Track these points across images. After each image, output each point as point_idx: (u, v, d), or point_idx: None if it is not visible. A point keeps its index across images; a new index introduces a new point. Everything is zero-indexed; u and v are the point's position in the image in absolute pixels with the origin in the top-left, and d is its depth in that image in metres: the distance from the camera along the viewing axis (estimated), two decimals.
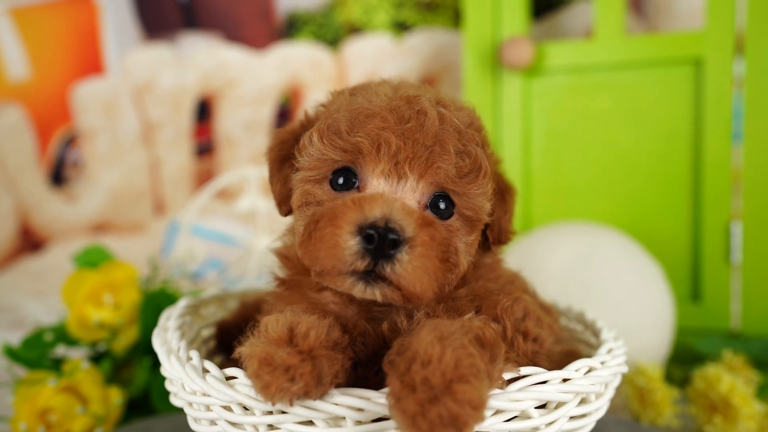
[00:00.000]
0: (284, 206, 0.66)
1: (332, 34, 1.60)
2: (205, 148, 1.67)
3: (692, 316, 1.22)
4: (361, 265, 0.52)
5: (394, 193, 0.56)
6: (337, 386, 0.52)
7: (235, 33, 1.63)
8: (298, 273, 0.66)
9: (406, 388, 0.46)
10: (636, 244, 1.13)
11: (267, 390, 0.49)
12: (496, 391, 0.53)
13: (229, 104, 1.64)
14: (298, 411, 0.51)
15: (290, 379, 0.49)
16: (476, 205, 0.58)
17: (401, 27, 1.58)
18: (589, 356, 0.66)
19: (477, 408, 0.45)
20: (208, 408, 0.57)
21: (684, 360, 1.14)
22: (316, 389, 0.50)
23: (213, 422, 0.58)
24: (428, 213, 0.57)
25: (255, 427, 0.54)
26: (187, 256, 1.23)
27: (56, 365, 1.02)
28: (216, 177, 1.64)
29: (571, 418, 0.59)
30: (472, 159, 0.57)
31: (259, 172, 1.28)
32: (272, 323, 0.53)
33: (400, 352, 0.49)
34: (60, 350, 1.04)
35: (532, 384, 0.55)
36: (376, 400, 0.51)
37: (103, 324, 0.99)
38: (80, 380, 0.94)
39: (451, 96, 0.65)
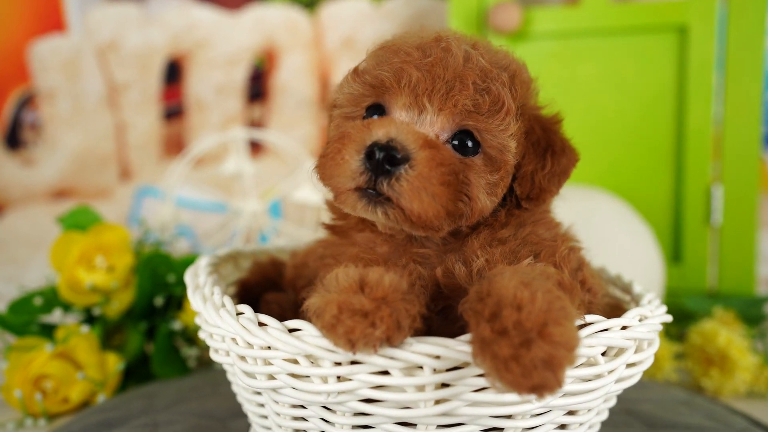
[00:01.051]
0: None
1: None
2: (174, 111, 1.60)
3: (673, 277, 1.25)
4: (362, 180, 0.53)
5: (413, 119, 0.57)
6: (414, 333, 0.51)
7: None
8: (341, 218, 0.66)
9: (496, 333, 0.45)
10: (628, 206, 1.15)
11: (350, 335, 0.47)
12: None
13: (201, 66, 1.58)
14: (375, 360, 0.50)
15: (371, 325, 0.47)
16: (499, 142, 0.57)
17: None
18: (628, 309, 0.66)
19: (571, 349, 0.45)
20: (266, 362, 0.55)
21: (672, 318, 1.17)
22: (397, 334, 0.49)
23: (271, 376, 0.55)
24: (447, 147, 0.57)
25: (324, 379, 0.52)
26: (172, 220, 1.18)
27: (45, 331, 0.97)
28: (188, 141, 1.58)
29: (627, 366, 0.59)
30: (493, 96, 0.56)
31: (247, 134, 1.24)
32: (342, 274, 0.51)
33: (482, 299, 0.48)
34: (47, 316, 0.98)
35: (599, 331, 0.55)
36: (455, 348, 0.49)
37: (96, 288, 0.94)
38: (75, 346, 0.90)
39: (497, 46, 0.63)
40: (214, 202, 1.46)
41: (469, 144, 0.57)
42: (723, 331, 0.95)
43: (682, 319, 1.12)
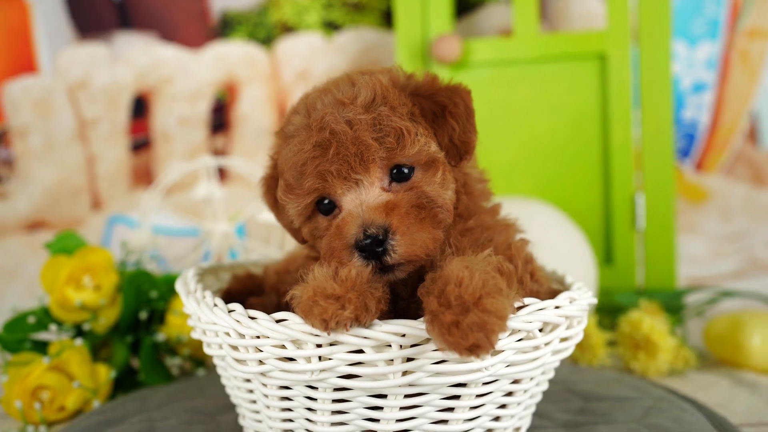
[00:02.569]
0: (298, 236, 0.75)
1: (265, 33, 1.65)
2: (141, 143, 1.66)
3: (606, 278, 1.37)
4: (366, 268, 0.61)
5: (359, 198, 0.64)
6: (381, 317, 0.60)
7: (171, 33, 1.64)
8: None
9: (442, 305, 0.54)
10: (563, 214, 1.26)
11: (324, 315, 0.56)
12: (510, 315, 0.62)
13: (165, 101, 1.65)
14: (350, 340, 0.58)
15: (342, 306, 0.56)
16: (422, 153, 0.65)
17: (331, 26, 1.65)
18: None
19: (501, 318, 0.54)
20: (257, 349, 0.63)
21: (605, 313, 1.28)
22: (365, 314, 0.57)
23: (261, 362, 0.63)
24: (394, 188, 0.65)
25: (308, 359, 0.61)
26: (149, 243, 1.25)
27: (38, 347, 1.02)
28: (155, 171, 1.65)
29: (561, 340, 0.69)
30: (392, 132, 0.63)
31: (216, 161, 1.32)
32: (318, 270, 0.60)
33: (434, 281, 0.57)
34: (39, 335, 1.04)
35: (536, 310, 0.65)
36: (417, 327, 0.58)
37: (84, 305, 1.01)
38: (68, 359, 0.96)
39: (349, 79, 0.70)
40: (185, 227, 1.52)
41: (405, 171, 0.65)
42: (647, 319, 1.06)
43: (613, 312, 1.23)
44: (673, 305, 1.24)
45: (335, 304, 0.56)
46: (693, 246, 1.73)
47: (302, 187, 0.65)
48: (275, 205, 0.75)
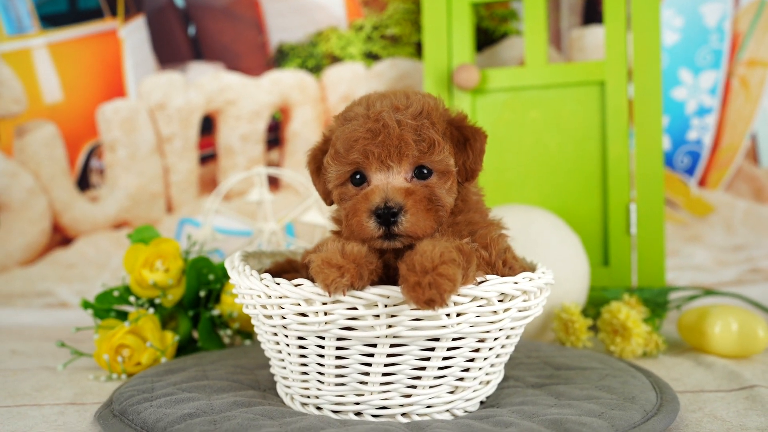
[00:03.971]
0: (327, 199, 0.91)
1: (315, 63, 1.84)
2: (208, 156, 1.87)
3: (603, 278, 1.49)
4: (380, 232, 0.77)
5: (387, 179, 0.80)
6: (373, 284, 0.76)
7: (235, 62, 1.85)
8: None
9: (409, 270, 0.69)
10: (560, 219, 1.39)
11: (326, 281, 0.72)
12: (472, 286, 0.77)
13: (229, 120, 1.85)
14: (347, 299, 0.74)
15: (341, 275, 0.72)
16: (442, 163, 0.81)
17: (371, 57, 1.83)
18: None
19: (452, 280, 0.68)
20: (279, 306, 0.79)
21: (595, 306, 1.40)
22: (358, 282, 0.73)
23: (283, 317, 0.80)
24: (414, 182, 0.81)
25: (316, 314, 0.77)
26: (210, 237, 1.44)
27: (120, 316, 1.22)
28: (220, 181, 1.85)
29: (519, 310, 0.83)
30: (427, 140, 0.80)
31: (267, 170, 1.51)
32: (330, 244, 0.77)
33: (408, 254, 0.73)
34: (122, 306, 1.24)
35: (496, 283, 0.79)
36: (398, 291, 0.74)
37: (156, 284, 1.19)
38: (142, 325, 1.14)
39: (405, 93, 0.86)
40: (241, 229, 1.71)
41: (425, 171, 0.81)
42: (624, 308, 1.18)
43: (599, 304, 1.35)
44: (659, 300, 1.35)
45: (336, 272, 0.72)
46: (698, 255, 1.82)
47: (348, 157, 0.80)
48: (316, 171, 0.90)
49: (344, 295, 0.74)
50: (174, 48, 1.87)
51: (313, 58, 1.84)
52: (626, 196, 1.48)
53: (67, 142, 1.87)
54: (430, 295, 0.67)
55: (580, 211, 1.52)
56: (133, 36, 1.85)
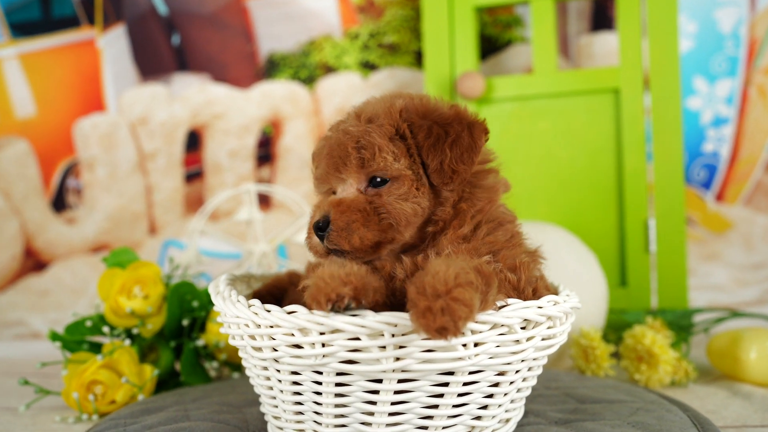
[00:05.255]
0: None
1: (308, 73, 1.77)
2: (194, 174, 1.80)
3: (620, 299, 1.41)
4: (323, 248, 0.76)
5: (343, 192, 0.78)
6: (377, 310, 0.68)
7: (222, 74, 1.78)
8: None
9: (419, 293, 0.61)
10: (576, 236, 1.31)
11: (327, 290, 0.64)
12: (492, 312, 0.69)
13: (217, 135, 1.78)
14: (349, 328, 0.66)
15: (343, 284, 0.65)
16: (390, 168, 0.75)
17: (368, 66, 1.76)
18: None
19: (468, 306, 0.60)
20: (270, 337, 0.71)
21: (614, 329, 1.32)
22: (363, 293, 0.66)
23: (274, 349, 0.71)
24: (368, 191, 0.76)
25: (312, 345, 0.68)
26: (194, 260, 1.36)
27: (93, 348, 1.13)
28: (207, 200, 1.77)
29: (543, 339, 0.75)
30: (369, 147, 0.75)
31: (257, 187, 1.43)
32: (328, 265, 0.69)
33: (419, 275, 0.65)
34: (95, 337, 1.15)
35: (519, 308, 0.71)
36: (407, 317, 0.65)
37: (134, 312, 1.10)
38: (118, 358, 1.05)
39: (380, 98, 0.83)
40: (229, 251, 1.63)
41: (378, 179, 0.76)
42: (649, 333, 1.10)
43: (622, 329, 1.27)
44: (683, 323, 1.27)
45: (338, 282, 0.65)
46: (717, 274, 1.75)
47: (317, 176, 0.81)
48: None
49: (355, 305, 0.66)
50: (157, 58, 1.80)
51: (306, 68, 1.77)
52: (644, 212, 1.41)
53: (40, 159, 1.79)
54: (442, 322, 0.59)
55: (595, 229, 1.45)
56: (113, 46, 1.78)
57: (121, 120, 1.77)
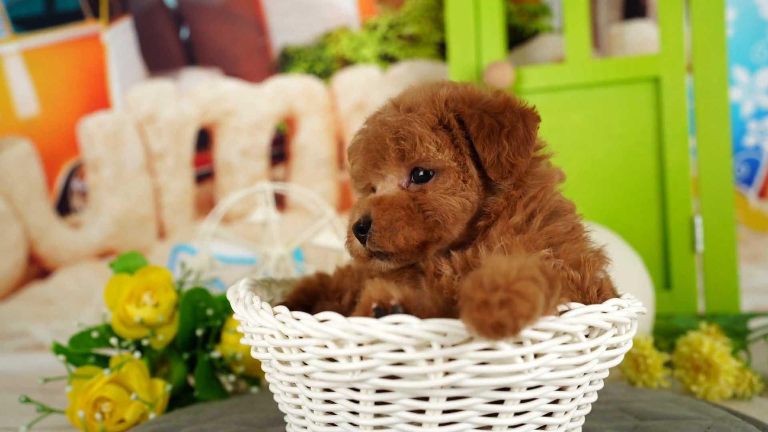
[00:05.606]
0: None
1: (324, 67, 1.70)
2: (205, 174, 1.72)
3: (665, 303, 1.32)
4: (365, 251, 0.70)
5: (383, 189, 0.72)
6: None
7: (233, 68, 1.71)
8: None
9: (475, 286, 0.53)
10: (618, 236, 1.23)
11: (374, 292, 0.60)
12: (554, 318, 0.61)
13: (228, 133, 1.70)
14: (391, 337, 0.58)
15: (395, 290, 0.60)
16: (433, 160, 0.69)
17: (387, 59, 1.68)
18: None
19: (530, 301, 0.52)
20: (300, 350, 0.63)
21: (663, 336, 1.23)
22: (415, 306, 0.60)
23: (304, 363, 0.63)
24: (411, 188, 0.71)
25: (349, 358, 0.60)
26: (207, 264, 1.28)
27: (100, 362, 1.05)
28: (218, 201, 1.70)
29: (608, 348, 0.67)
30: (409, 138, 0.69)
31: (273, 186, 1.35)
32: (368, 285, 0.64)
33: (475, 271, 0.57)
34: (102, 350, 1.07)
35: (582, 313, 0.63)
36: (458, 326, 0.57)
37: (144, 322, 1.03)
38: (127, 372, 0.97)
39: (419, 87, 0.76)
40: (243, 256, 1.55)
41: (421, 173, 0.70)
42: (706, 340, 1.01)
43: (672, 335, 1.18)
44: (738, 329, 1.19)
45: (390, 288, 0.61)
46: (759, 276, 1.66)
47: (354, 173, 0.75)
48: None
49: (389, 309, 0.60)
50: (164, 53, 1.73)
51: (322, 61, 1.69)
52: (689, 209, 1.32)
53: (44, 160, 1.73)
54: (499, 317, 0.51)
55: (635, 228, 1.36)
56: (119, 40, 1.71)
57: (128, 118, 1.70)
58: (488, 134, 0.70)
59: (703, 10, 1.31)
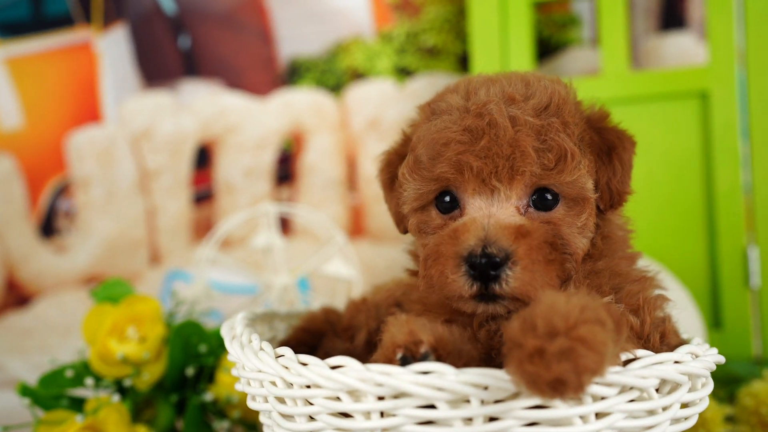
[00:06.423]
0: (401, 226, 0.69)
1: (335, 80, 1.62)
2: (203, 195, 1.65)
3: (714, 344, 1.20)
4: (472, 291, 0.56)
5: (491, 207, 0.58)
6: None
7: (236, 80, 1.65)
8: None
9: (525, 329, 0.44)
10: (663, 268, 1.14)
11: (401, 334, 0.52)
12: (619, 369, 0.51)
13: (230, 150, 1.63)
14: (420, 390, 0.48)
15: (425, 332, 0.52)
16: (576, 186, 0.58)
17: (404, 72, 1.61)
18: None
19: (597, 352, 0.43)
20: (306, 402, 0.54)
21: (719, 384, 1.13)
22: (449, 351, 0.51)
23: (311, 417, 0.54)
24: (530, 214, 0.59)
25: (367, 415, 0.51)
26: (203, 294, 1.20)
27: (74, 405, 0.96)
28: (217, 223, 1.62)
29: (682, 406, 0.57)
30: (555, 150, 0.57)
31: (277, 208, 1.27)
32: (390, 323, 0.56)
33: (524, 310, 0.48)
34: (77, 391, 0.98)
35: (652, 364, 0.53)
36: (503, 378, 0.48)
37: (127, 359, 0.94)
38: (104, 418, 0.88)
39: (522, 76, 0.64)
40: (244, 284, 1.48)
41: (549, 197, 0.59)
42: None
43: (728, 383, 1.08)
44: None
45: (419, 329, 0.52)
46: None
47: (432, 170, 0.59)
48: (389, 184, 0.70)
49: (418, 354, 0.51)
50: (162, 63, 1.66)
51: (332, 74, 1.62)
52: (741, 239, 1.23)
53: (27, 178, 1.66)
54: (559, 372, 0.42)
55: (681, 259, 1.27)
56: (112, 48, 1.65)
57: (121, 133, 1.64)
58: (598, 155, 0.62)
59: (759, 16, 1.22)
